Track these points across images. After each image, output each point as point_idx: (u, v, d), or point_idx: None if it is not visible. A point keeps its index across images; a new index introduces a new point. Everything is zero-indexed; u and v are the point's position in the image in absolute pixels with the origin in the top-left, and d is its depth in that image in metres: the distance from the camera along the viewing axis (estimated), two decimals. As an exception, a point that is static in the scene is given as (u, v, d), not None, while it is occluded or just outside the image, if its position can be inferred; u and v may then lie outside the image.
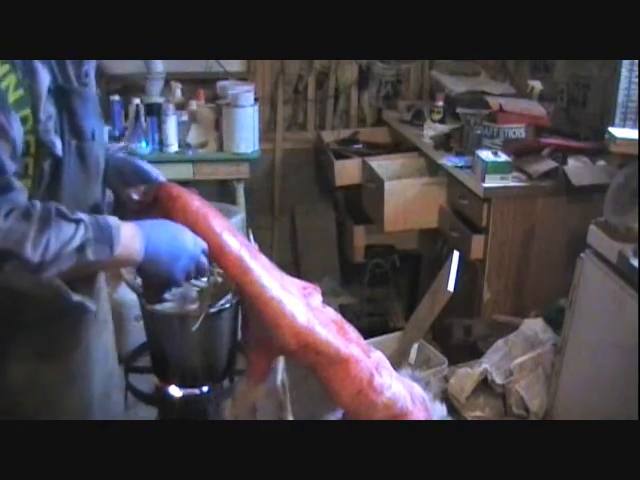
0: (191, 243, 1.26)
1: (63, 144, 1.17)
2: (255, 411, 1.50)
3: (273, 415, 1.64)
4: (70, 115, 1.18)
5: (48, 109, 1.13)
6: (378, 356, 1.44)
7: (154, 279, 1.28)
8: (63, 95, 1.17)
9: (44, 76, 1.12)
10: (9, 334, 1.26)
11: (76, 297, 1.23)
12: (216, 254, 1.31)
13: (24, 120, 1.10)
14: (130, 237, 1.17)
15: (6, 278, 1.11)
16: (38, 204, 1.09)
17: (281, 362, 1.55)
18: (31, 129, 1.11)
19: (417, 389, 1.50)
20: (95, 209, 1.29)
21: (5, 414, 1.29)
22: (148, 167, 1.42)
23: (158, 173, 1.43)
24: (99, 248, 1.12)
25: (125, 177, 1.40)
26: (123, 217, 1.30)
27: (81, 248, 1.10)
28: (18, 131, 1.08)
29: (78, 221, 1.11)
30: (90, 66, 1.26)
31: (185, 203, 1.30)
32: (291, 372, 1.53)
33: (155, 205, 1.34)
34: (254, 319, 1.37)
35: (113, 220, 1.15)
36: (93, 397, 1.38)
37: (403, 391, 1.42)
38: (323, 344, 1.32)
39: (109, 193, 1.42)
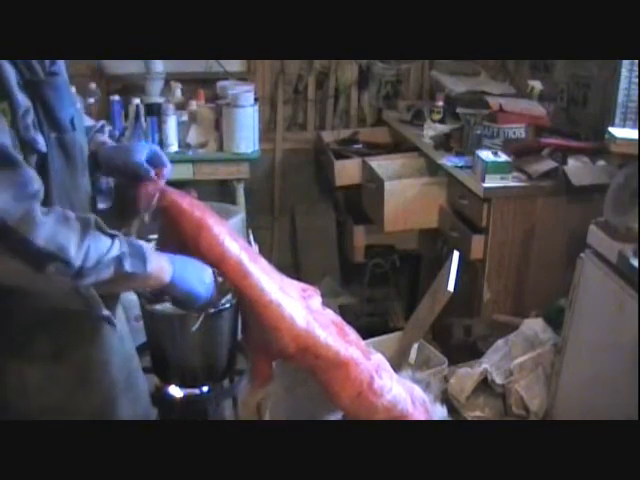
0: (210, 274, 1.32)
1: (45, 139, 1.16)
2: (263, 413, 1.50)
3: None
4: (44, 108, 1.17)
5: (24, 103, 1.12)
6: (378, 358, 1.44)
7: (179, 298, 1.31)
8: (33, 88, 1.15)
9: (9, 70, 1.10)
10: (26, 336, 1.27)
11: (106, 311, 1.27)
12: (217, 261, 1.32)
13: (3, 113, 1.09)
14: (158, 256, 1.22)
15: (47, 283, 1.12)
16: (72, 214, 1.12)
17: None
18: (11, 124, 1.10)
19: (417, 391, 1.50)
20: (84, 199, 1.29)
21: (21, 415, 1.29)
22: (138, 155, 1.36)
23: (149, 162, 1.38)
24: (134, 262, 1.16)
25: (117, 170, 1.37)
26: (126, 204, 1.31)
27: (119, 259, 1.14)
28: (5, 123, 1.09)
29: (114, 235, 1.15)
30: None
31: (187, 213, 1.31)
32: (291, 374, 1.53)
33: (158, 210, 1.35)
34: (254, 323, 1.37)
35: (142, 242, 1.20)
36: (115, 383, 1.39)
37: (403, 393, 1.42)
38: (322, 347, 1.32)
39: (107, 180, 1.41)
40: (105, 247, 1.12)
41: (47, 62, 1.19)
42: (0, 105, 1.09)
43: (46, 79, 1.18)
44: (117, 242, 1.14)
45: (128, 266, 1.15)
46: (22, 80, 1.13)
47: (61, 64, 1.25)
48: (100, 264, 1.11)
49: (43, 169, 1.17)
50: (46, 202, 1.16)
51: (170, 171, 1.42)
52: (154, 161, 1.40)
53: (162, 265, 1.22)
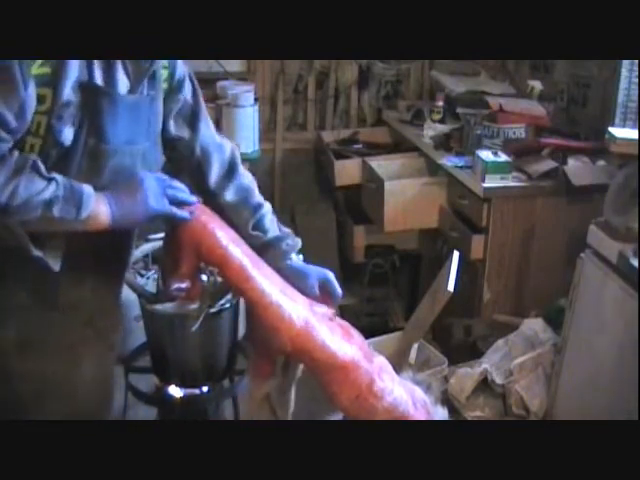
0: (149, 178, 1.28)
1: (78, 139, 1.19)
2: (273, 409, 1.49)
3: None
4: (92, 114, 1.20)
5: (70, 97, 1.16)
6: (381, 361, 1.44)
7: (134, 224, 1.30)
8: (90, 90, 1.19)
9: (73, 65, 1.16)
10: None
11: (36, 252, 1.24)
12: (220, 266, 1.32)
13: (42, 99, 1.14)
14: (98, 201, 1.20)
15: None
16: (16, 153, 1.13)
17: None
18: (46, 111, 1.15)
19: (418, 393, 1.50)
20: None
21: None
22: (310, 281, 1.48)
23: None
24: (66, 207, 1.16)
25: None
26: None
27: (48, 203, 1.14)
28: (32, 95, 1.12)
29: (51, 179, 1.15)
30: (152, 72, 1.28)
31: (193, 217, 1.31)
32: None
33: None
34: (255, 323, 1.38)
35: (87, 187, 1.19)
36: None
37: (405, 395, 1.42)
38: (318, 350, 1.32)
39: None
40: (38, 188, 1.13)
41: (113, 74, 1.23)
42: (42, 90, 1.14)
43: (105, 89, 1.21)
44: (53, 185, 1.15)
45: (57, 211, 1.15)
46: (82, 80, 1.17)
47: (145, 85, 1.29)
48: (28, 204, 1.13)
49: (62, 164, 1.19)
50: None
51: (339, 300, 1.51)
52: (325, 287, 1.48)
53: (100, 210, 1.21)
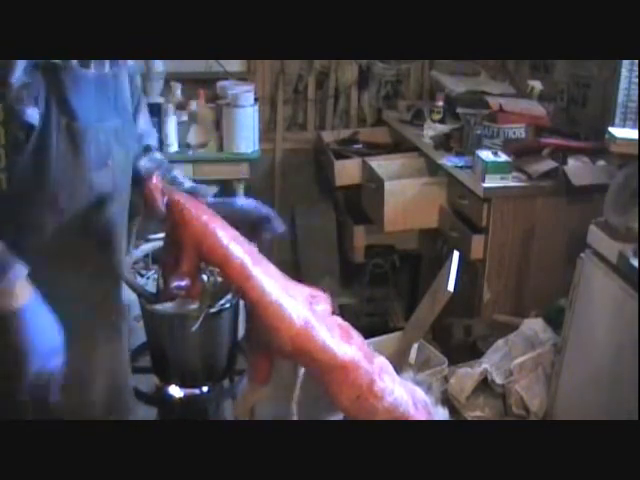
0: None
1: (49, 120, 1.19)
2: (253, 412, 1.50)
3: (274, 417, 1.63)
4: (58, 92, 1.20)
5: (23, 80, 1.16)
6: (381, 361, 1.44)
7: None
8: (50, 70, 1.19)
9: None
10: None
11: None
12: (221, 265, 1.33)
13: None
14: (17, 282, 1.14)
15: None
16: None
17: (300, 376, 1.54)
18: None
19: (419, 393, 1.49)
20: (89, 194, 1.30)
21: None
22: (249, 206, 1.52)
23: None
24: None
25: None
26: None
27: None
28: None
29: None
30: None
31: (194, 217, 1.31)
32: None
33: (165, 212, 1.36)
34: (256, 322, 1.38)
35: (19, 267, 1.13)
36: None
37: (405, 396, 1.42)
38: (319, 351, 1.32)
39: None
40: None
41: (102, 62, 1.25)
42: None
43: (66, 65, 1.20)
44: None
45: None
46: (42, 62, 1.17)
47: (121, 74, 1.33)
48: None
49: (40, 150, 1.19)
50: (41, 183, 1.20)
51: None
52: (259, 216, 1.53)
53: (14, 292, 1.14)
